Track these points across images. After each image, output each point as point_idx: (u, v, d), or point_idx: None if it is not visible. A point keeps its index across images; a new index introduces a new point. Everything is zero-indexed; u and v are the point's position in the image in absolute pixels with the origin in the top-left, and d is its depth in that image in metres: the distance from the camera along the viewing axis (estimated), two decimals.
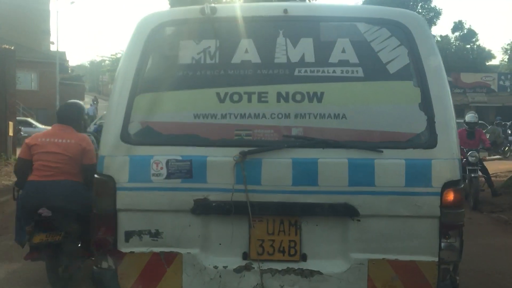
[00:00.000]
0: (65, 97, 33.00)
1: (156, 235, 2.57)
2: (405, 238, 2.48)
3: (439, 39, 40.25)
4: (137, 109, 2.59)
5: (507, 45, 45.72)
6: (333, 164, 2.47)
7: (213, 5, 2.68)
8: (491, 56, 43.60)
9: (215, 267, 2.54)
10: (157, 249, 2.57)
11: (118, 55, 68.11)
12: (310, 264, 2.52)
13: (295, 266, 2.53)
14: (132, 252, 2.58)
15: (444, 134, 2.46)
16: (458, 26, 43.12)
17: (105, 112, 3.57)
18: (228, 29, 2.67)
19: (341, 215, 2.49)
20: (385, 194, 2.45)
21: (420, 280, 2.46)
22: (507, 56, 45.67)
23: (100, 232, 2.59)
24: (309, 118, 2.53)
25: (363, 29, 2.60)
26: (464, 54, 40.43)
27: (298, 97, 2.55)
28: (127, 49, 2.69)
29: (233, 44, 2.64)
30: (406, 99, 2.53)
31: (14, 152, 12.93)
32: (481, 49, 42.59)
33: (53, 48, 36.15)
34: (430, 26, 41.23)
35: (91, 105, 33.17)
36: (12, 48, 14.21)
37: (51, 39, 38.31)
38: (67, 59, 43.17)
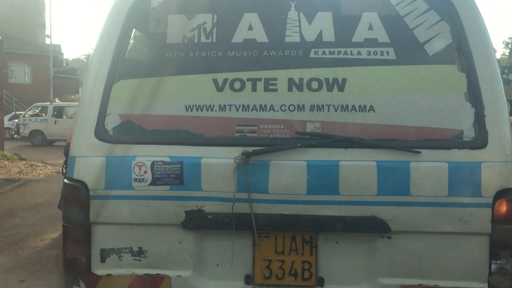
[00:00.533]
0: (59, 91, 32.67)
1: (139, 254, 2.11)
2: (447, 260, 2.02)
3: None
4: (115, 99, 2.11)
5: (509, 38, 45.50)
6: (358, 168, 2.00)
7: None
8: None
9: None
10: (140, 271, 2.11)
11: None
12: None
13: None
14: (109, 275, 2.11)
15: (496, 131, 1.99)
16: None
17: None
18: (228, 0, 2.18)
19: (367, 231, 2.02)
20: (423, 205, 1.98)
21: None
22: (508, 50, 45.35)
23: (70, 250, 2.12)
24: (328, 110, 2.06)
25: (395, 0, 2.11)
26: None
27: (315, 84, 2.07)
28: (104, 27, 2.21)
29: (234, 19, 2.15)
30: (449, 87, 2.05)
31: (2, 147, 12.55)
32: None
33: (48, 41, 36.00)
34: None
35: None
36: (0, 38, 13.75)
37: (46, 32, 38.07)
38: (62, 52, 43.05)
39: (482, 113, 2.00)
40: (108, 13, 2.23)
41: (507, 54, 45.45)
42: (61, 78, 36.60)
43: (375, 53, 2.09)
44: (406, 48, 2.09)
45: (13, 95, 28.41)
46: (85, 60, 72.35)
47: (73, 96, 37.12)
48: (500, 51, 46.33)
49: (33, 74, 32.62)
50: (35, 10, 36.03)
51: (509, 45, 44.83)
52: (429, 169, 1.98)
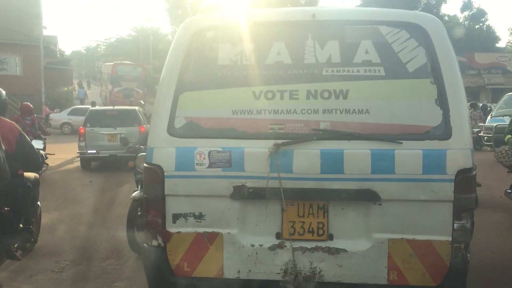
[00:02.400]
0: (51, 83, 32.29)
1: (199, 217, 2.91)
2: (422, 220, 2.77)
3: (447, 19, 39.56)
4: (181, 106, 2.91)
5: None
6: (357, 154, 2.77)
7: (249, 9, 2.96)
8: (496, 38, 43.12)
9: (252, 245, 2.88)
10: (200, 230, 2.92)
11: (112, 40, 66.88)
12: (336, 243, 2.84)
13: (323, 244, 2.85)
14: (179, 232, 2.92)
15: (458, 127, 2.74)
16: (467, 5, 42.12)
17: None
18: (262, 33, 2.96)
19: (364, 200, 2.79)
20: (404, 180, 2.75)
21: (435, 257, 2.76)
22: None
23: (150, 215, 2.95)
24: (336, 113, 2.83)
25: (384, 31, 2.86)
26: (474, 34, 39.79)
27: (326, 94, 2.85)
28: (171, 51, 3.00)
29: (267, 46, 2.93)
30: (424, 95, 2.80)
31: None
32: (490, 29, 41.70)
33: (46, 32, 35.26)
34: (440, 5, 40.36)
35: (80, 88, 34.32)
36: None
37: (44, 23, 37.17)
38: (59, 44, 41.76)
39: (448, 114, 2.75)
40: (174, 41, 3.03)
41: None
42: (53, 69, 36.36)
43: (370, 70, 2.85)
44: (392, 66, 2.84)
45: (4, 88, 27.92)
46: (85, 52, 70.96)
47: (65, 88, 36.71)
48: (505, 39, 46.20)
49: (24, 66, 31.77)
50: (31, 1, 33.77)
51: None
52: (408, 155, 2.74)
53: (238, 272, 2.89)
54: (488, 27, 42.10)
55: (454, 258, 2.76)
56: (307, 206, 2.88)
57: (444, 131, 2.75)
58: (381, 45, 2.86)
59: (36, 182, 4.90)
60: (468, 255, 2.83)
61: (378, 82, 2.84)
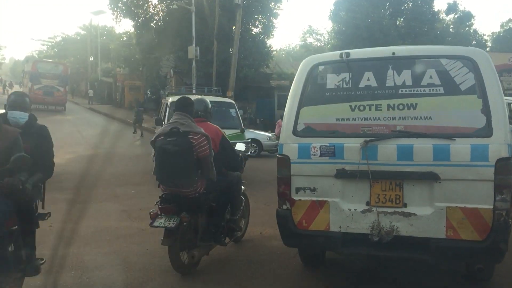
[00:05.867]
0: None
1: (313, 190, 4.34)
2: (471, 193, 3.90)
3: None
4: (302, 116, 4.39)
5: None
6: (423, 147, 4.01)
7: (347, 51, 4.39)
8: (485, 42, 39.68)
9: (349, 209, 4.24)
10: (314, 198, 4.34)
11: (58, 39, 61.02)
12: (409, 209, 4.08)
13: (399, 210, 4.11)
14: (300, 200, 4.38)
15: (497, 128, 3.84)
16: (452, 7, 38.27)
17: None
18: (357, 66, 4.36)
19: (428, 179, 4.01)
20: (457, 166, 3.92)
21: (480, 220, 3.87)
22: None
23: (281, 188, 4.46)
24: (407, 119, 4.11)
25: (444, 62, 4.09)
26: (463, 38, 36.36)
27: (401, 106, 4.14)
28: (296, 78, 4.51)
29: (360, 75, 4.31)
30: (472, 106, 3.96)
31: None
32: (478, 34, 38.23)
33: None
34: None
35: None
36: None
37: None
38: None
39: (490, 120, 3.87)
40: (298, 72, 4.52)
41: None
42: None
43: (433, 90, 4.08)
44: (449, 87, 4.04)
45: None
46: (36, 56, 64.13)
47: None
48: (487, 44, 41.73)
49: None
50: None
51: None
52: (460, 148, 3.91)
53: (340, 227, 4.26)
54: (475, 31, 38.87)
55: (496, 221, 3.85)
56: (388, 183, 4.17)
57: (487, 131, 3.88)
58: (442, 72, 4.09)
59: (237, 179, 5.51)
60: (510, 220, 3.88)
61: (439, 97, 4.07)
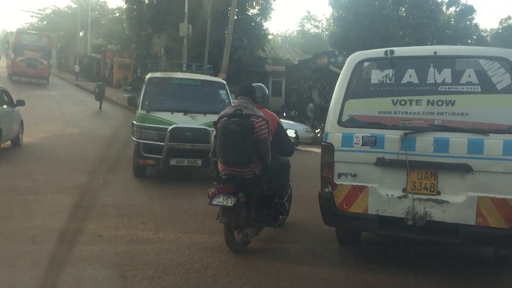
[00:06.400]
0: None
1: (354, 176, 4.77)
2: (500, 184, 4.25)
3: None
4: (347, 108, 4.80)
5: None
6: (458, 141, 4.36)
7: (391, 48, 4.76)
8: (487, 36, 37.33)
9: (387, 195, 4.65)
10: (354, 183, 4.77)
11: (48, 11, 58.38)
12: (442, 197, 4.47)
13: (433, 197, 4.50)
14: (341, 184, 4.82)
15: None
16: (453, 0, 36.54)
17: None
18: (400, 63, 4.72)
19: (462, 170, 4.37)
20: (489, 159, 4.27)
21: (508, 209, 4.22)
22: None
23: (324, 173, 4.90)
24: (445, 115, 4.46)
25: (482, 62, 4.41)
26: (464, 32, 34.80)
27: (440, 103, 4.49)
28: (342, 73, 4.91)
29: (402, 72, 4.67)
30: (507, 104, 4.28)
31: None
32: (479, 29, 36.43)
33: None
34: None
35: None
36: None
37: None
38: None
39: None
40: (344, 67, 4.91)
41: None
42: None
43: (471, 88, 4.41)
44: (486, 85, 4.36)
45: None
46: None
47: None
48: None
49: None
50: None
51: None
52: (493, 143, 4.25)
53: (377, 210, 4.69)
54: (476, 26, 36.82)
55: None
56: (423, 172, 4.55)
57: None
58: (480, 71, 4.40)
59: (287, 164, 5.69)
60: None
61: (476, 95, 4.40)
